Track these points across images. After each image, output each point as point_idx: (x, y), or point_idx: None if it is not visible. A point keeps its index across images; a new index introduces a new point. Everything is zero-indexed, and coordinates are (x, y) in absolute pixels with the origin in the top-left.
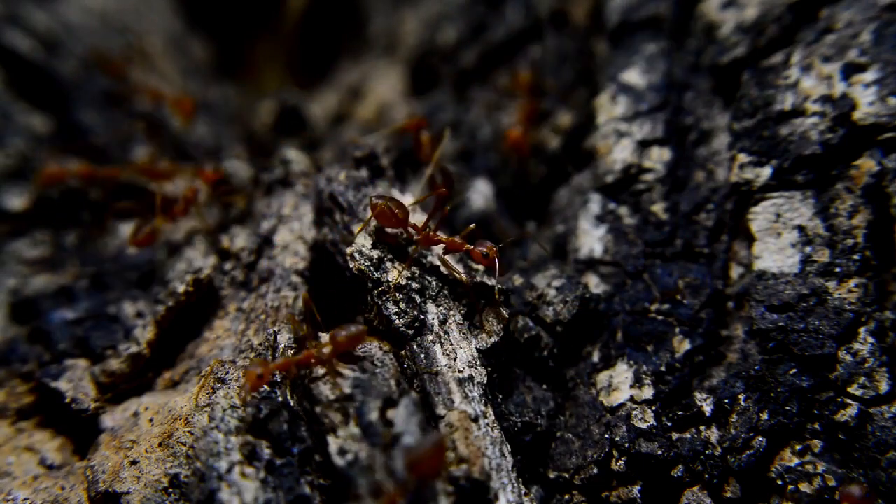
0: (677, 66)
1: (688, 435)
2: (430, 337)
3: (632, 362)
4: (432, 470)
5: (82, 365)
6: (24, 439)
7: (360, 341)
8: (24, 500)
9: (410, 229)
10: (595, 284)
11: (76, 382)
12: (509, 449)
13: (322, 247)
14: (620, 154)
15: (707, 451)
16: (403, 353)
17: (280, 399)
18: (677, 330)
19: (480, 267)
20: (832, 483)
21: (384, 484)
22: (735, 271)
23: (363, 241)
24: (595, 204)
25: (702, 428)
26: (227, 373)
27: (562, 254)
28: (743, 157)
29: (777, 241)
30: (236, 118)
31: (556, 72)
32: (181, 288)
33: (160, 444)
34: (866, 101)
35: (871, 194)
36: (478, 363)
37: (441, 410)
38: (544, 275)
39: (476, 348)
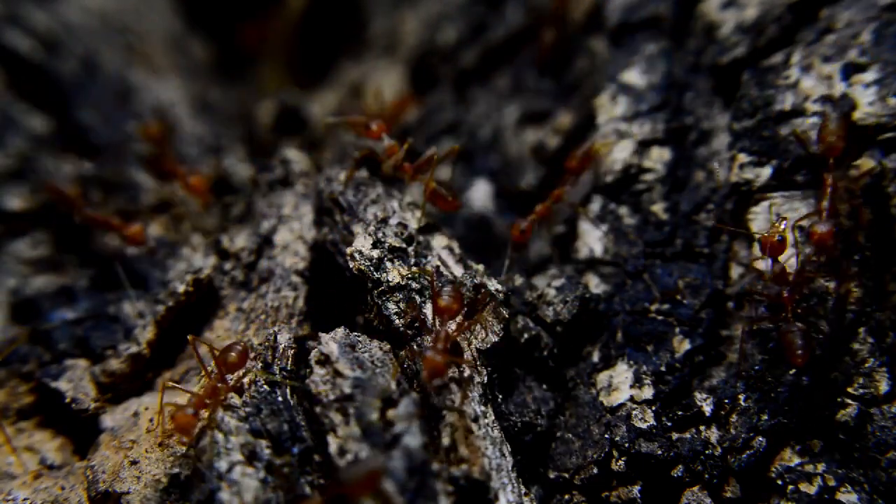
0: (677, 66)
1: (688, 435)
2: (431, 337)
3: (632, 362)
4: (361, 494)
5: (82, 365)
6: (24, 439)
7: (239, 366)
8: (24, 500)
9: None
10: (595, 284)
11: (76, 382)
12: (509, 449)
13: (322, 247)
14: (620, 154)
15: (707, 451)
16: (403, 353)
17: (280, 399)
18: (677, 330)
19: (480, 267)
20: (832, 483)
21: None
22: (735, 271)
23: (363, 242)
24: (595, 204)
25: (702, 428)
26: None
27: (562, 254)
28: (743, 157)
29: None
30: (236, 118)
31: (555, 72)
32: (181, 288)
33: (160, 444)
34: (866, 101)
35: (871, 194)
36: (478, 363)
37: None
38: (544, 275)
39: (476, 348)
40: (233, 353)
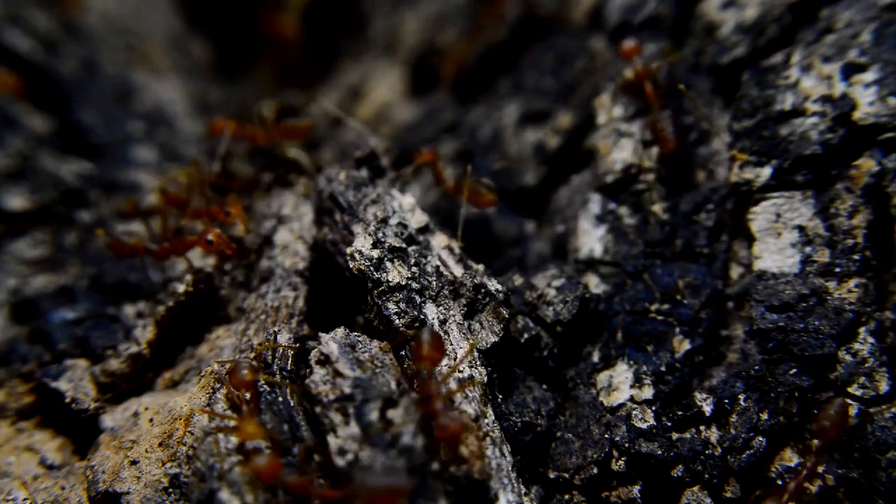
0: (677, 66)
1: (688, 435)
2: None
3: (632, 362)
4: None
5: (82, 365)
6: (24, 439)
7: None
8: (24, 500)
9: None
10: (595, 284)
11: (76, 382)
12: (509, 449)
13: (322, 247)
14: (620, 154)
15: (707, 451)
16: (403, 353)
17: (280, 399)
18: (677, 330)
19: (480, 267)
20: (832, 483)
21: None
22: (735, 271)
23: (363, 242)
24: (595, 204)
25: (702, 428)
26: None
27: (562, 254)
28: (743, 157)
29: (777, 241)
30: (236, 118)
31: (556, 72)
32: (181, 288)
33: (160, 444)
34: (866, 101)
35: (871, 194)
36: (478, 363)
37: None
38: (544, 275)
39: (476, 348)
40: (244, 371)
